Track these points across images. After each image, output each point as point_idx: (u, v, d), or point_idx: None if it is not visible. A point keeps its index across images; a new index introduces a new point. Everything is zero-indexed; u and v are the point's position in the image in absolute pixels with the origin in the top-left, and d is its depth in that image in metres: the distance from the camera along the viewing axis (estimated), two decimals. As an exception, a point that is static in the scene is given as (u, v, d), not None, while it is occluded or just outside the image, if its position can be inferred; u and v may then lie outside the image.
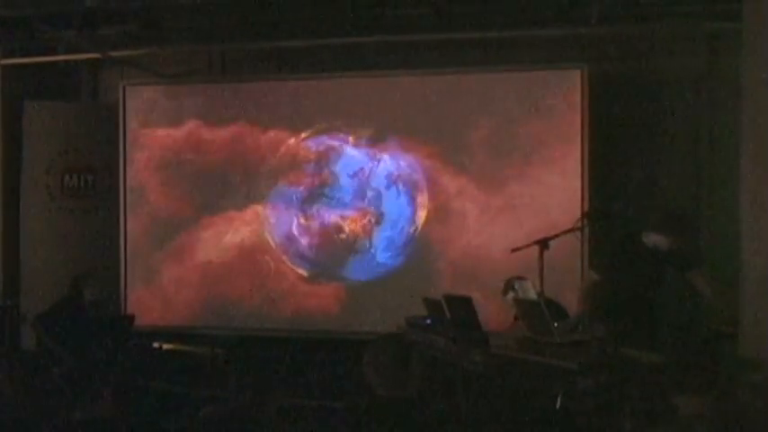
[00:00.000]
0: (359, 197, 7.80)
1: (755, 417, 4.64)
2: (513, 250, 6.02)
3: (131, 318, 7.48)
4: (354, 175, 7.81)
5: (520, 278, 5.95)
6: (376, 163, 7.76)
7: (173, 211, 8.19)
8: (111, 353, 6.80)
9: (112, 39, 7.97)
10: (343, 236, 7.84)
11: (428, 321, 5.99)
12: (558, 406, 4.74)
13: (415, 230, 7.68)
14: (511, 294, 5.90)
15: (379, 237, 7.77)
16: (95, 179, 8.54)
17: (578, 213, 6.67)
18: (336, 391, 6.89)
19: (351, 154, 7.82)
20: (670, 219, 5.66)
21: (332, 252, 7.88)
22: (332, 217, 7.86)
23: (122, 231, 8.24)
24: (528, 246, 5.90)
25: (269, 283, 7.98)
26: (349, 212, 7.83)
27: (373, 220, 7.77)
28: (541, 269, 5.72)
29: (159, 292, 8.21)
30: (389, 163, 7.73)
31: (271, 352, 7.81)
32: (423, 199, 7.66)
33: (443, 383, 5.46)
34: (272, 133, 7.97)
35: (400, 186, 7.71)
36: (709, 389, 4.60)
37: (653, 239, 5.53)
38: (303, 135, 7.91)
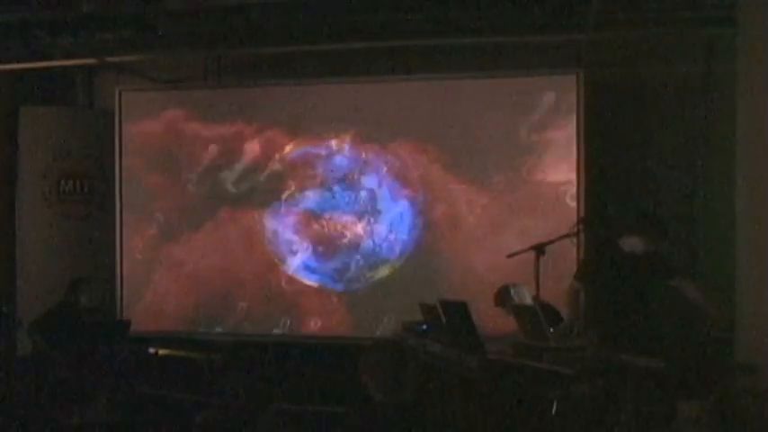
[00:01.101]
0: (356, 200, 7.80)
1: (752, 421, 4.64)
2: (509, 255, 6.01)
3: (127, 323, 7.47)
4: (352, 178, 7.81)
5: (512, 285, 5.95)
6: (373, 168, 7.76)
7: (169, 215, 8.18)
8: (106, 358, 6.79)
9: (108, 44, 7.97)
10: (345, 240, 7.83)
11: (424, 327, 5.99)
12: (554, 411, 4.74)
13: (409, 238, 7.68)
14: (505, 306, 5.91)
15: (380, 237, 7.76)
16: (91, 184, 8.53)
17: (574, 218, 6.68)
18: (333, 396, 6.89)
19: (349, 158, 7.81)
20: (644, 220, 5.67)
21: (329, 254, 7.87)
22: (330, 220, 7.86)
23: (118, 236, 8.23)
24: (524, 251, 5.90)
25: (265, 287, 7.97)
26: (347, 215, 7.82)
27: (372, 220, 7.77)
28: (537, 274, 5.72)
29: (155, 298, 8.19)
30: (386, 167, 7.72)
31: (267, 357, 7.81)
32: (418, 204, 7.66)
33: (439, 389, 5.46)
34: (269, 138, 7.97)
35: (397, 191, 7.71)
36: (706, 394, 4.61)
37: (629, 243, 5.53)
38: (300, 140, 7.91)
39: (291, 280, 7.93)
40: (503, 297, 6.02)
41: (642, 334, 5.35)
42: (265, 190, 7.99)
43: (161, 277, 8.20)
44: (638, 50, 7.64)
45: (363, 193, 7.79)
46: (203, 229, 8.10)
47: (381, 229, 7.75)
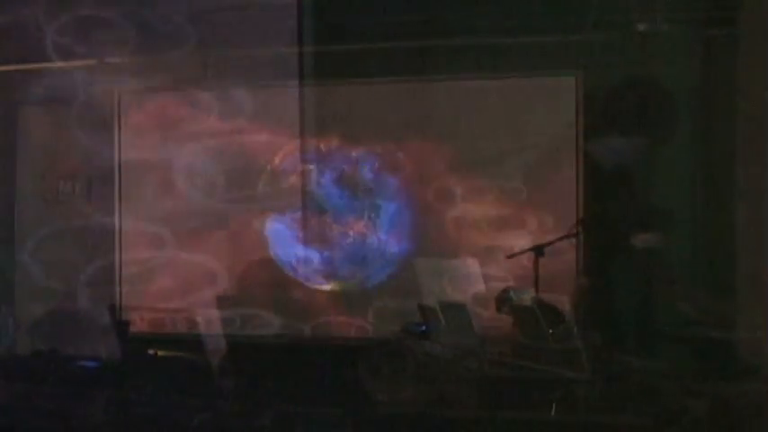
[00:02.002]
0: (357, 200, 7.80)
1: (753, 423, 4.64)
2: (509, 257, 6.02)
3: (126, 324, 7.46)
4: (353, 178, 7.81)
5: (513, 288, 5.95)
6: (374, 168, 7.76)
7: (168, 216, 8.17)
8: (105, 360, 6.79)
9: (108, 44, 7.96)
10: (346, 240, 7.83)
11: (423, 328, 5.99)
12: (552, 413, 4.73)
13: (410, 239, 7.68)
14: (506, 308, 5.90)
15: (381, 238, 7.76)
16: (90, 185, 8.53)
17: (573, 220, 6.68)
18: (334, 397, 6.88)
19: (350, 158, 7.82)
20: (646, 218, 5.69)
21: (329, 254, 7.87)
22: (331, 219, 7.86)
23: (117, 238, 8.23)
24: (523, 252, 5.90)
25: (265, 288, 7.97)
26: (348, 215, 7.82)
27: (374, 219, 7.77)
28: (536, 276, 5.72)
29: (155, 299, 8.19)
30: (387, 167, 7.73)
31: (267, 357, 7.80)
32: (420, 204, 7.67)
33: (438, 390, 5.45)
34: (269, 138, 7.97)
35: (399, 192, 7.71)
36: (706, 395, 4.61)
37: (641, 238, 5.53)
38: (301, 140, 7.91)
39: (291, 280, 7.93)
40: (503, 301, 6.01)
41: (643, 335, 5.36)
42: (266, 190, 7.98)
43: (161, 278, 8.20)
44: (636, 52, 7.63)
45: (365, 194, 7.79)
46: (203, 229, 8.09)
47: (382, 229, 7.74)
